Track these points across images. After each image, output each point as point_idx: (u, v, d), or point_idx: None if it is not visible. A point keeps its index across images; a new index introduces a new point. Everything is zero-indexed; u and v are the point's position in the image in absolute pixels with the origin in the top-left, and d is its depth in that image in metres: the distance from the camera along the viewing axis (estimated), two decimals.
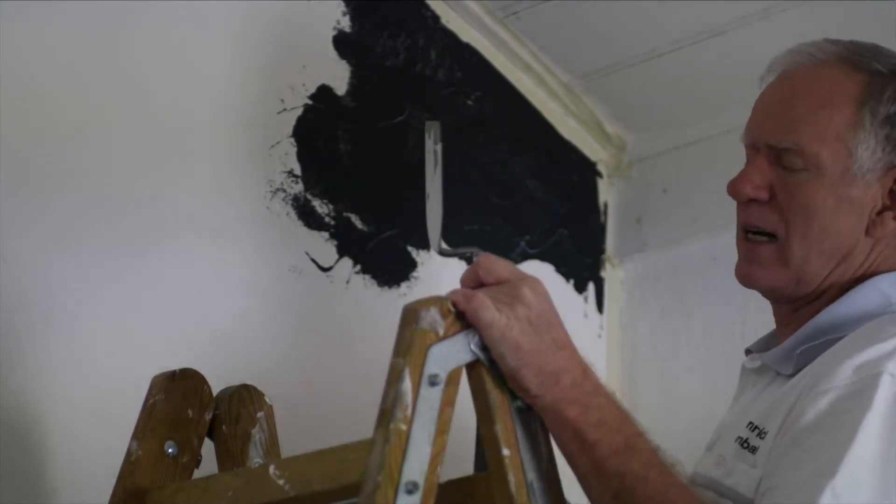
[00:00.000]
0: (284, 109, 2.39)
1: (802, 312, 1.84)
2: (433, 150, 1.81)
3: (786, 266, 1.81)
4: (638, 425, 1.62)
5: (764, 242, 1.83)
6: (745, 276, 1.86)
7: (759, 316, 2.12)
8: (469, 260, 1.68)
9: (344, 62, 2.48)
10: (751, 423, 1.73)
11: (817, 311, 1.82)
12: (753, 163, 1.84)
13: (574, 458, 1.60)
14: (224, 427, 1.87)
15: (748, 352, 1.95)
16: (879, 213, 1.81)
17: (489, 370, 1.58)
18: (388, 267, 2.49)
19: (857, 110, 1.79)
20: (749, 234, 1.85)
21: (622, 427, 1.60)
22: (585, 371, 1.61)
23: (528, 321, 1.57)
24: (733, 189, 1.85)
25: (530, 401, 1.59)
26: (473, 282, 1.62)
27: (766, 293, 1.87)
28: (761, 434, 1.70)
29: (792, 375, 1.77)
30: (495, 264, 1.62)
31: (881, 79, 1.82)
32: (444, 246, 1.77)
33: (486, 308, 1.56)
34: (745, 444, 1.71)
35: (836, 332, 1.76)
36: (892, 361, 1.62)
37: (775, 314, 1.91)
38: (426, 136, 1.82)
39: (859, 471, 1.56)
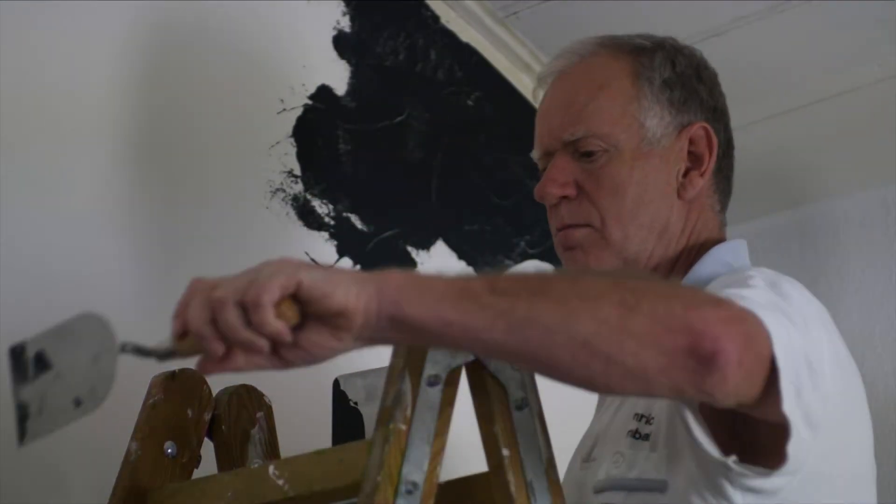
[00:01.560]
0: (284, 109, 2.39)
1: None
2: None
3: (607, 249, 1.80)
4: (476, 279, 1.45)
5: (577, 227, 1.82)
6: (571, 264, 1.83)
7: None
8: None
9: (344, 62, 2.48)
10: (636, 413, 1.72)
11: None
12: (553, 164, 1.84)
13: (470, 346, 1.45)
14: (223, 427, 1.86)
15: None
16: (685, 174, 1.83)
17: (488, 370, 1.57)
18: (388, 267, 2.48)
19: (633, 83, 1.83)
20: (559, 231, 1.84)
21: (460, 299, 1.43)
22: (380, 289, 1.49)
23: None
24: (540, 193, 1.84)
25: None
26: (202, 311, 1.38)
27: None
28: (649, 420, 1.70)
29: None
30: (208, 280, 1.40)
31: (647, 51, 1.86)
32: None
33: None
34: (638, 435, 1.70)
35: None
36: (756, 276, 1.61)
37: None
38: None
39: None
